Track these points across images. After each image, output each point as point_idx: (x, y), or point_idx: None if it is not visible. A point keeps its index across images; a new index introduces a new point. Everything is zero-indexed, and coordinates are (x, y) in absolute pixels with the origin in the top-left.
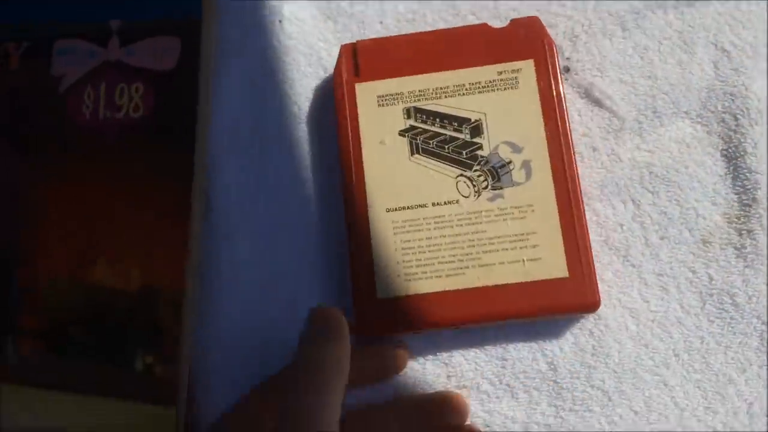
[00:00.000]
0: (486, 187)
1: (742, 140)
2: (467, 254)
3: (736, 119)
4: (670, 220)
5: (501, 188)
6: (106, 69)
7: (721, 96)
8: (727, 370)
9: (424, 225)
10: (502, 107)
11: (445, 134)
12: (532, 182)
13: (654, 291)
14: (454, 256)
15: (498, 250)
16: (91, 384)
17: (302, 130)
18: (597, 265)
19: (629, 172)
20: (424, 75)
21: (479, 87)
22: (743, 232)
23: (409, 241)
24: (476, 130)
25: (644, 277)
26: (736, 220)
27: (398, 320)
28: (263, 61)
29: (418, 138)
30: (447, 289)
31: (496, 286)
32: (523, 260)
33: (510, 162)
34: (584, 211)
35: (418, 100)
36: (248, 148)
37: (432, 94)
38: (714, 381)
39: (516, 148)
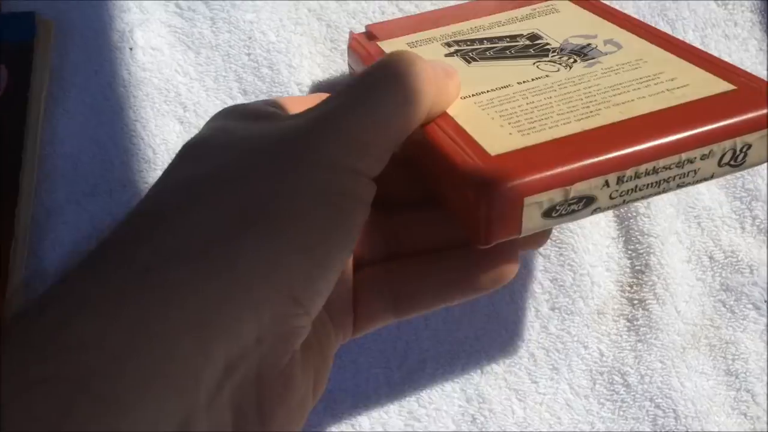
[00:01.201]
0: (575, 62)
1: None
2: (592, 101)
3: None
4: (562, 287)
5: (593, 58)
6: None
7: None
8: None
9: (518, 97)
10: (552, 23)
11: (501, 45)
12: (625, 49)
13: (543, 370)
14: (573, 107)
15: (629, 90)
16: None
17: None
18: None
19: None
20: (454, 24)
21: (518, 19)
22: (635, 301)
23: (505, 110)
24: (535, 37)
25: (533, 352)
26: (628, 288)
27: (538, 163)
28: (110, 96)
29: (470, 53)
30: (586, 128)
31: (652, 113)
32: (667, 90)
33: (589, 44)
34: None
35: (454, 38)
36: (90, 197)
37: (468, 32)
38: None
39: (589, 37)
